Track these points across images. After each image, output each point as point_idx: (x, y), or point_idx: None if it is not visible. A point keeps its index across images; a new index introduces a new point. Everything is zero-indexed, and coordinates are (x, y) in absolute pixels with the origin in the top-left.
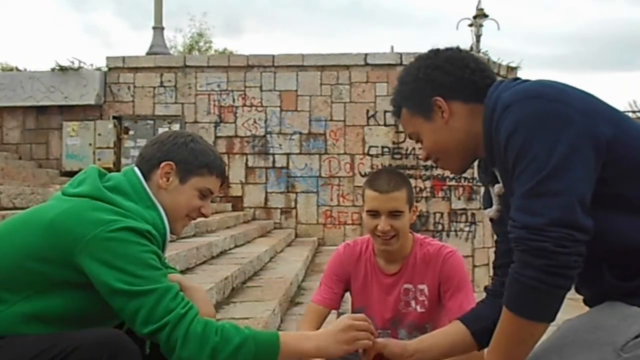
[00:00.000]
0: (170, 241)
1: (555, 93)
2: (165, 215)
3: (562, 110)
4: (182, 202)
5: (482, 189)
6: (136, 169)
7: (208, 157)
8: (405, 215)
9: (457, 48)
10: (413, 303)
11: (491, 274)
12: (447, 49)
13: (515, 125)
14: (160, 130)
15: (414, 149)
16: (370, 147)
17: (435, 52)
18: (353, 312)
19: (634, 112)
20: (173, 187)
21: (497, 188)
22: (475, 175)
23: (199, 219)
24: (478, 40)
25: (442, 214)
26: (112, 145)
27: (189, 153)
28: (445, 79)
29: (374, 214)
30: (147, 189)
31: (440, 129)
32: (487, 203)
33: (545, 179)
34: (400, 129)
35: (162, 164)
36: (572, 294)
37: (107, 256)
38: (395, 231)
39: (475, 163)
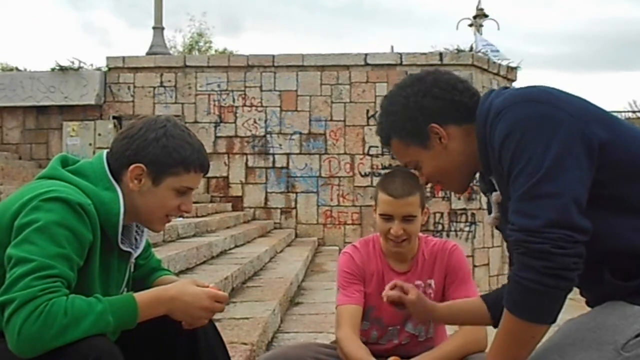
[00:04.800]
0: (170, 241)
1: (546, 97)
2: (122, 197)
3: (554, 113)
4: (157, 204)
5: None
6: (105, 155)
7: (183, 153)
8: (418, 219)
9: (439, 71)
10: None
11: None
12: (428, 74)
13: (508, 130)
14: None
15: None
16: (370, 147)
17: (418, 79)
18: (363, 311)
19: (634, 112)
20: (146, 189)
21: (495, 196)
22: (476, 175)
23: (199, 220)
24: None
25: (442, 214)
26: None
27: (161, 151)
28: (437, 104)
29: (388, 217)
30: (108, 172)
31: (440, 155)
32: (490, 211)
33: (539, 182)
34: None
35: (131, 167)
36: (573, 294)
37: (25, 222)
38: (408, 235)
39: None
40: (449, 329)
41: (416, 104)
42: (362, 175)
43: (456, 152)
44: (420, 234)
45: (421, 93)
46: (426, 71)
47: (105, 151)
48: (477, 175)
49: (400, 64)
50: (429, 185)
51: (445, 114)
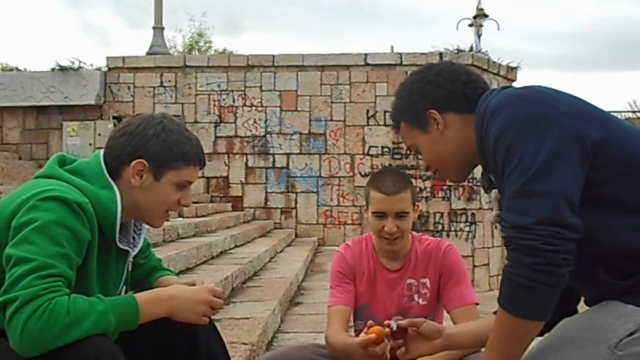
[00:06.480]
0: (170, 241)
1: (541, 96)
2: (119, 195)
3: (548, 113)
4: (158, 199)
5: (482, 190)
6: (102, 154)
7: (183, 147)
8: (410, 216)
9: (450, 62)
10: (416, 297)
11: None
12: (439, 63)
13: (502, 129)
14: None
15: None
16: (370, 147)
17: (427, 67)
18: (356, 310)
19: (634, 112)
20: (147, 185)
21: (494, 193)
22: (475, 175)
23: (199, 220)
24: (478, 40)
25: (442, 214)
26: None
27: (161, 146)
28: (438, 92)
29: (381, 215)
30: (105, 171)
31: (437, 140)
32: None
33: (532, 179)
34: None
35: (133, 163)
36: None
37: (23, 222)
38: (401, 232)
39: (479, 169)
40: None
41: (419, 90)
42: (362, 175)
43: (453, 139)
44: (415, 233)
45: (425, 80)
46: (440, 61)
47: (102, 150)
48: (480, 174)
49: (400, 64)
50: (429, 171)
51: (444, 102)
